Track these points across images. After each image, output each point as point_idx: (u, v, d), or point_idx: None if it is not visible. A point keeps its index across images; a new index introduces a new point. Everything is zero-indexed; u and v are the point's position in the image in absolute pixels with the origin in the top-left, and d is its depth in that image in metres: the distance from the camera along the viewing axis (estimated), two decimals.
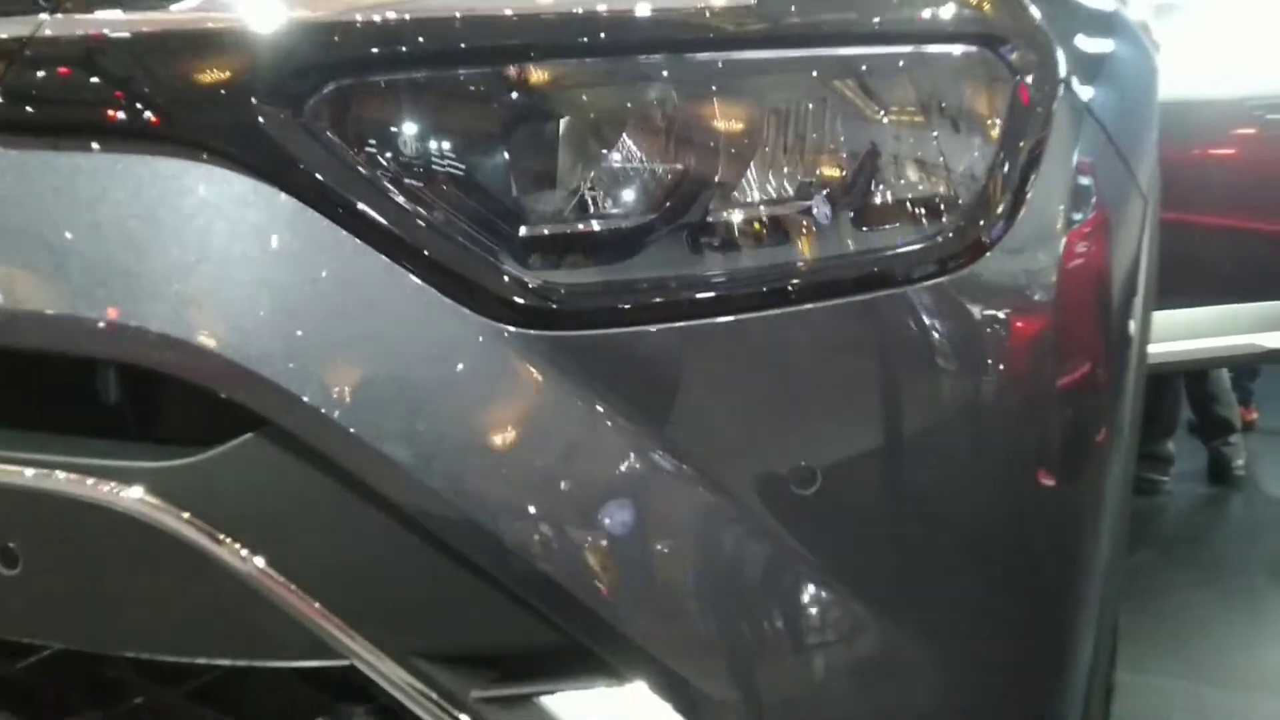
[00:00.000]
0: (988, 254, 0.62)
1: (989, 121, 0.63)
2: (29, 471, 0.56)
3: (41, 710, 0.68)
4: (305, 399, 0.52)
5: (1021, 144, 0.64)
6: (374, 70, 0.54)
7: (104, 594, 0.59)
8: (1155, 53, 1.02)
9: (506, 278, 0.55)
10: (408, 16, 0.54)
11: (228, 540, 0.55)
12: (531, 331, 0.55)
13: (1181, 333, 1.96)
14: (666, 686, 0.58)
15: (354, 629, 0.56)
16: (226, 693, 0.65)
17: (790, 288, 0.58)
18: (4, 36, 0.55)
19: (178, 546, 0.55)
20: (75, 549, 0.58)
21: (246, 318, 0.53)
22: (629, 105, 0.57)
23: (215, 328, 0.53)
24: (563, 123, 0.56)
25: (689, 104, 0.58)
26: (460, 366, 0.54)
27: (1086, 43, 0.78)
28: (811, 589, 0.60)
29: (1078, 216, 0.68)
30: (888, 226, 0.61)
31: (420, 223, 0.54)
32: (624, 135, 0.57)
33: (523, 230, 0.56)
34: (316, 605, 0.55)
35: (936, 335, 0.61)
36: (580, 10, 0.56)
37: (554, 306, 0.55)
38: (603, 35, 0.56)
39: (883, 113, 0.61)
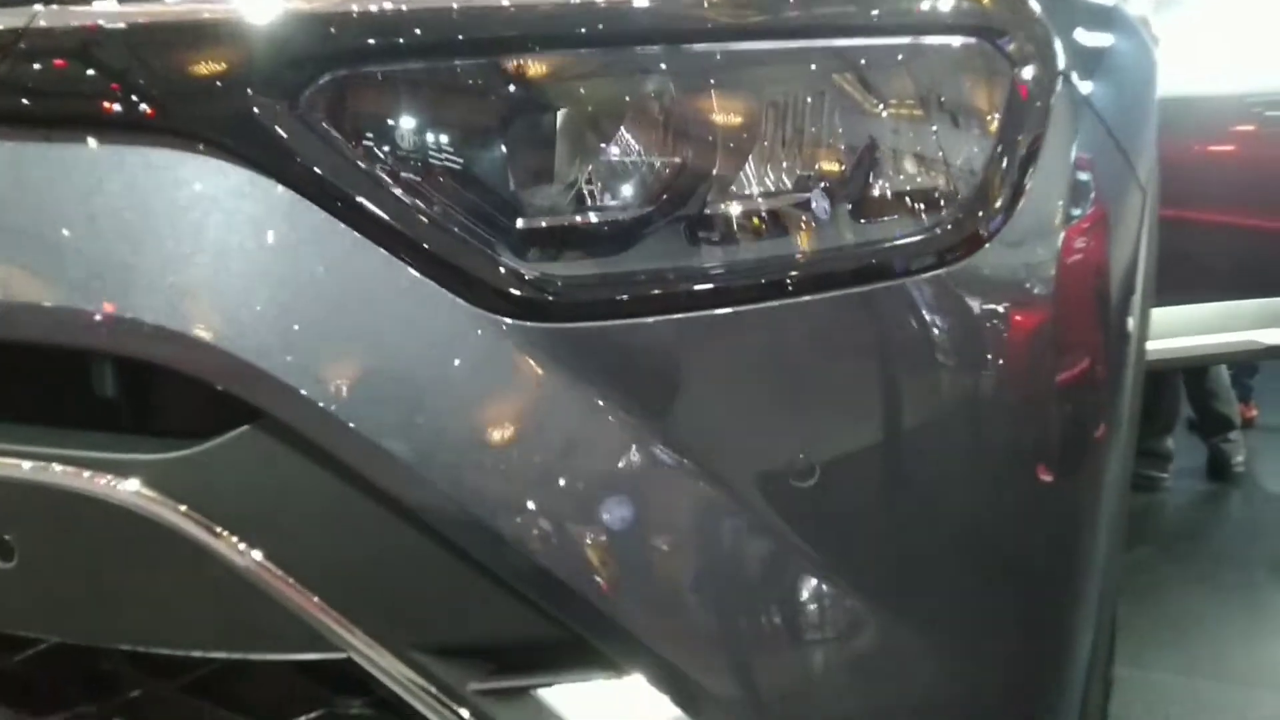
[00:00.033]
0: (986, 246, 0.62)
1: (987, 114, 0.63)
2: (26, 464, 0.56)
3: (38, 704, 0.68)
4: (302, 391, 0.52)
5: (1020, 137, 0.63)
6: (370, 61, 0.54)
7: (100, 587, 0.59)
8: (1155, 47, 1.02)
9: (504, 270, 0.55)
10: (404, 7, 0.54)
11: (224, 533, 0.55)
12: (529, 323, 0.55)
13: (1181, 329, 1.96)
14: (664, 679, 0.58)
15: (351, 622, 0.56)
16: (223, 686, 0.65)
17: (788, 280, 0.58)
18: None
19: (174, 539, 0.55)
20: (71, 542, 0.58)
21: (242, 310, 0.53)
22: (627, 97, 0.57)
23: (211, 320, 0.53)
24: (560, 114, 0.56)
25: (687, 96, 0.58)
26: (457, 359, 0.54)
27: (1086, 36, 0.78)
28: (809, 582, 0.60)
29: (1077, 210, 0.68)
30: (885, 219, 0.61)
31: (417, 214, 0.54)
32: (622, 127, 0.57)
33: (520, 222, 0.56)
34: (313, 598, 0.55)
35: (934, 328, 0.61)
36: (578, 1, 0.56)
37: (551, 298, 0.55)
38: (600, 27, 0.56)
39: (881, 105, 0.61)
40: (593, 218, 0.57)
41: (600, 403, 0.55)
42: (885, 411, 0.61)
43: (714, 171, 0.58)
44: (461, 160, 0.55)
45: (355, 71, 0.54)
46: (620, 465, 0.56)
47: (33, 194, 0.55)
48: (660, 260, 0.57)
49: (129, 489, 0.55)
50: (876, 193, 0.61)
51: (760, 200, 0.59)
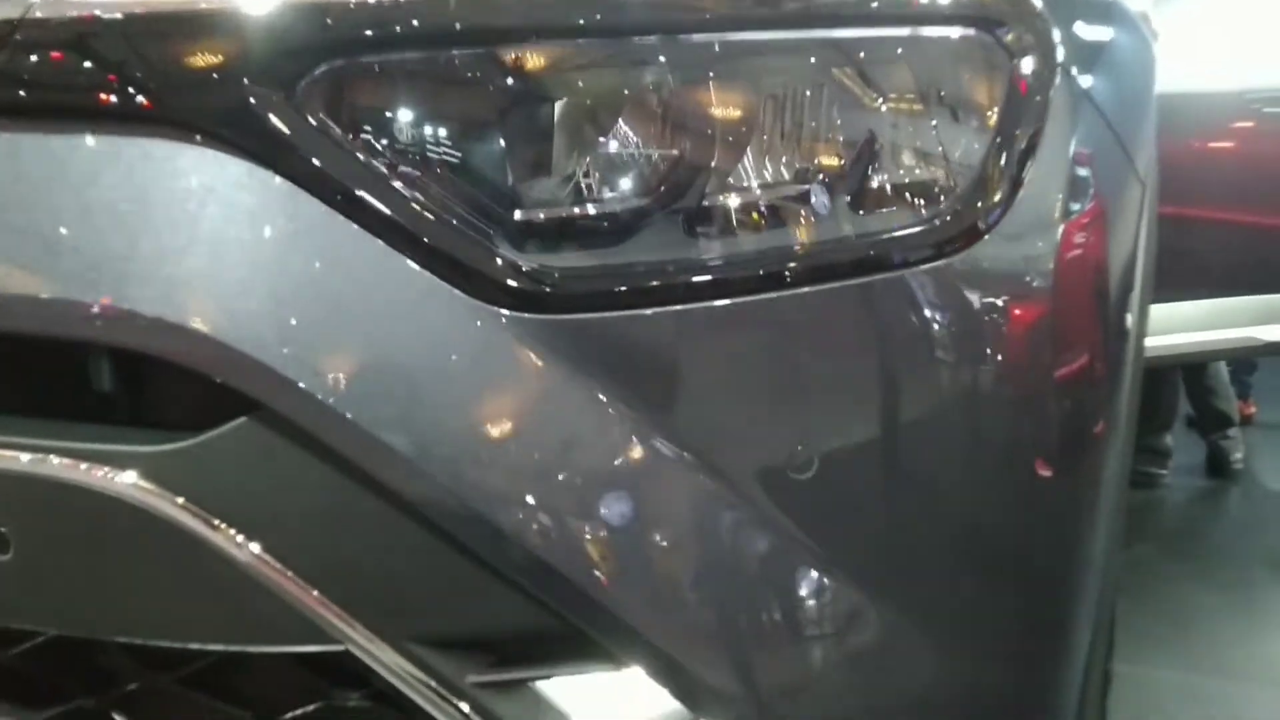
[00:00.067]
0: (984, 239, 0.62)
1: (986, 106, 0.63)
2: (23, 456, 0.56)
3: (35, 697, 0.68)
4: (299, 383, 0.52)
5: (1018, 129, 0.63)
6: (367, 51, 0.54)
7: (97, 580, 0.59)
8: (1154, 41, 1.02)
9: (502, 261, 0.55)
10: None
11: (222, 525, 0.55)
12: (527, 315, 0.54)
13: (1180, 326, 1.96)
14: (663, 672, 0.58)
15: (349, 614, 0.56)
16: (221, 678, 0.65)
17: (786, 271, 0.58)
18: None
19: (171, 531, 0.55)
20: (68, 534, 0.58)
21: (240, 302, 0.53)
22: (625, 89, 0.57)
23: (209, 312, 0.53)
24: (559, 105, 0.56)
25: (685, 87, 0.58)
26: (455, 350, 0.54)
27: (1086, 30, 0.78)
28: (807, 575, 0.60)
29: (1076, 204, 0.68)
30: (884, 210, 0.61)
31: (415, 206, 0.54)
32: (620, 118, 0.57)
33: (518, 213, 0.56)
34: (311, 591, 0.55)
35: (932, 320, 0.61)
36: None
37: (549, 290, 0.55)
38: (598, 17, 0.56)
39: (879, 96, 0.61)
40: (591, 209, 0.57)
41: (599, 395, 0.55)
42: (883, 404, 0.61)
43: (712, 163, 0.58)
44: (459, 151, 0.55)
45: (352, 62, 0.54)
46: (618, 457, 0.56)
47: (29, 186, 0.55)
48: (659, 252, 0.57)
49: (126, 481, 0.55)
50: (875, 184, 0.61)
51: (759, 192, 0.59)
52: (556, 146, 0.56)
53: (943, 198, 0.61)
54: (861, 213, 0.60)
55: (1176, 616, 1.97)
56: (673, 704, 0.59)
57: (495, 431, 0.54)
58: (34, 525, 0.58)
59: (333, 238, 0.54)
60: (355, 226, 0.54)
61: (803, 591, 0.59)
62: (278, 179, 0.53)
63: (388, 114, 0.55)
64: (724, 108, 0.58)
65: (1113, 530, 0.74)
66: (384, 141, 0.54)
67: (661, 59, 0.57)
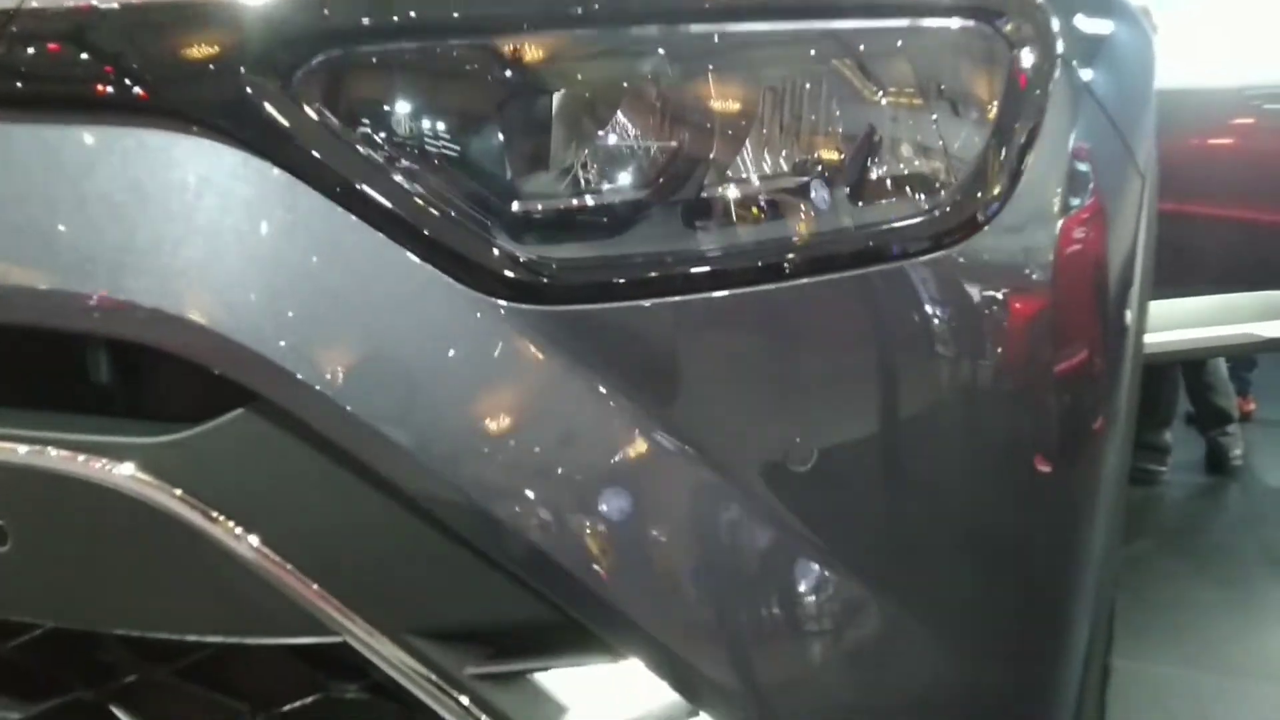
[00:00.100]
0: (983, 230, 0.62)
1: (985, 97, 0.63)
2: (21, 448, 0.56)
3: (33, 689, 0.68)
4: (296, 373, 0.52)
5: (1018, 120, 0.63)
6: (363, 41, 0.54)
7: (95, 572, 0.59)
8: (1154, 35, 1.01)
9: (499, 252, 0.54)
10: None
11: (220, 517, 0.55)
12: (526, 306, 0.54)
13: (1179, 322, 1.96)
14: (663, 665, 0.58)
15: (347, 606, 0.56)
16: (219, 670, 0.65)
17: (785, 263, 0.58)
18: None
19: (169, 523, 0.55)
20: (65, 526, 0.58)
21: (237, 292, 0.53)
22: (624, 78, 0.57)
23: (206, 303, 0.53)
24: (557, 95, 0.56)
25: (684, 79, 0.57)
26: (453, 341, 0.54)
27: (1085, 22, 0.78)
28: (807, 568, 0.59)
29: (1075, 196, 0.68)
30: (882, 202, 0.61)
31: (412, 196, 0.54)
32: (619, 109, 0.56)
33: (516, 205, 0.56)
34: (309, 582, 0.55)
35: (930, 312, 0.61)
36: None
37: (547, 281, 0.55)
38: (597, 7, 0.56)
39: (878, 87, 0.60)
40: (589, 201, 0.56)
41: (597, 386, 0.55)
42: (880, 395, 0.61)
43: (711, 155, 0.58)
44: (456, 142, 0.55)
45: (349, 52, 0.54)
46: (617, 449, 0.55)
47: (26, 177, 0.55)
48: (657, 244, 0.57)
49: (124, 473, 0.55)
50: (873, 175, 0.61)
51: (757, 184, 0.59)
52: (555, 137, 0.56)
53: (941, 189, 0.61)
54: (860, 204, 0.60)
55: (1175, 612, 1.97)
56: (671, 697, 0.59)
57: (493, 423, 0.54)
58: (32, 517, 0.58)
59: (329, 229, 0.53)
60: (352, 217, 0.53)
61: (802, 585, 0.59)
62: (274, 169, 0.53)
63: (385, 104, 0.55)
64: (723, 100, 0.58)
65: (1112, 526, 0.74)
66: (381, 132, 0.54)
67: (660, 50, 0.57)
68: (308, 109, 0.53)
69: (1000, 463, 0.65)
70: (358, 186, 0.53)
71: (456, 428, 0.54)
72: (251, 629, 0.59)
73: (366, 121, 0.54)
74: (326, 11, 0.53)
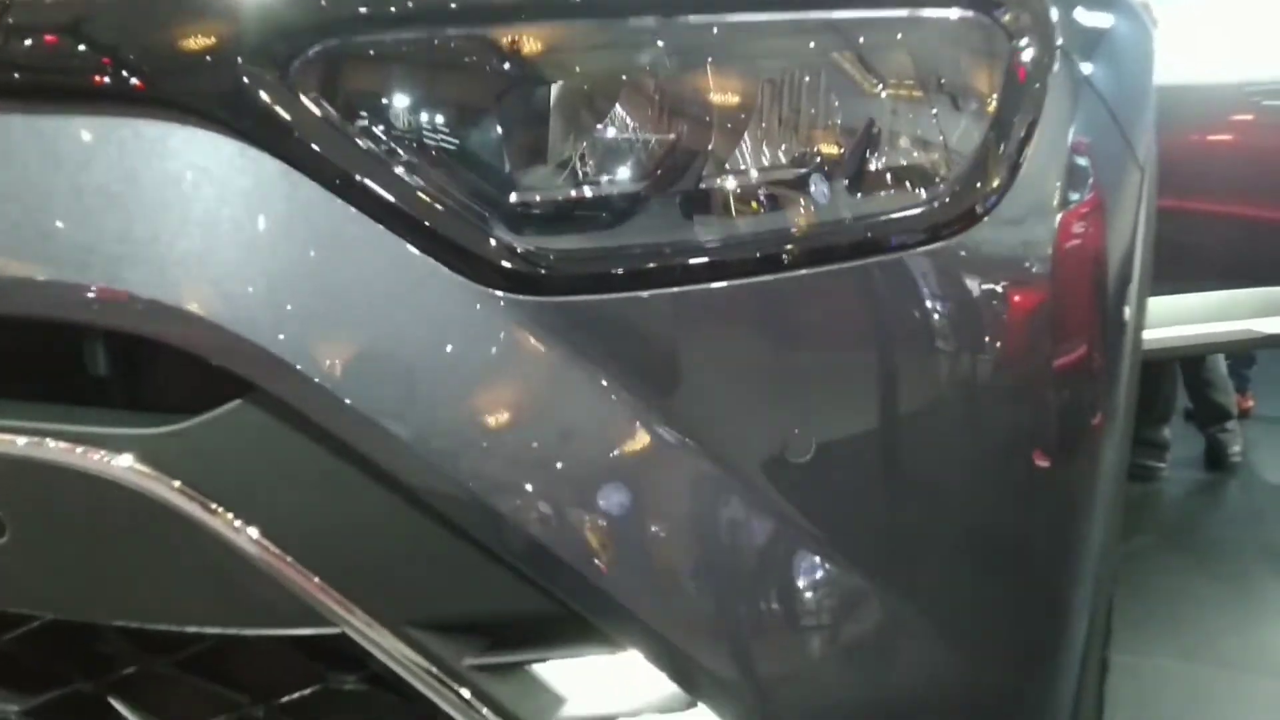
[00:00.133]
0: (982, 222, 0.62)
1: (984, 87, 0.63)
2: (20, 439, 0.56)
3: (32, 681, 0.68)
4: (294, 363, 0.52)
5: (1017, 111, 0.63)
6: (360, 31, 0.54)
7: (93, 563, 0.59)
8: (1154, 29, 1.01)
9: (499, 243, 0.54)
10: None
11: (218, 508, 0.54)
12: (525, 297, 0.54)
13: (1178, 318, 1.96)
14: (662, 656, 0.58)
15: (346, 597, 0.56)
16: (218, 662, 0.65)
17: (783, 254, 0.58)
18: None
19: (168, 514, 0.55)
20: (64, 517, 0.58)
21: (235, 283, 0.52)
22: (622, 69, 0.57)
23: (204, 294, 0.52)
24: (555, 86, 0.56)
25: (683, 69, 0.57)
26: (452, 333, 0.54)
27: (1085, 14, 0.78)
28: (806, 559, 0.59)
29: (1075, 187, 0.68)
30: (881, 194, 0.60)
31: (409, 187, 0.54)
32: (617, 101, 0.56)
33: (513, 196, 0.55)
34: (308, 573, 0.55)
35: (928, 303, 0.61)
36: None
37: (546, 272, 0.55)
38: None
39: (876, 78, 0.60)
40: (587, 192, 0.56)
41: (595, 376, 0.55)
42: (878, 387, 0.61)
43: (709, 147, 0.58)
44: (454, 133, 0.55)
45: (346, 41, 0.54)
46: (616, 440, 0.55)
47: (22, 168, 0.54)
48: (655, 235, 0.56)
49: (123, 464, 0.55)
50: (872, 168, 0.60)
51: (756, 176, 0.59)
52: (553, 128, 0.56)
53: (940, 181, 0.61)
54: (859, 195, 0.60)
55: (1174, 607, 1.97)
56: (669, 688, 0.59)
57: (492, 414, 0.54)
58: (30, 509, 0.58)
59: (327, 219, 0.53)
60: (350, 208, 0.53)
61: (801, 576, 0.59)
62: (271, 160, 0.53)
63: (382, 94, 0.54)
64: (721, 91, 0.58)
65: (1111, 521, 0.74)
66: (378, 122, 0.54)
67: (658, 42, 0.57)
68: (305, 99, 0.53)
69: (999, 456, 0.65)
70: (354, 177, 0.53)
71: (455, 419, 0.54)
72: (250, 620, 0.59)
73: (363, 112, 0.54)
74: (323, 1, 0.53)
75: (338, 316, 0.53)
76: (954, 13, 0.62)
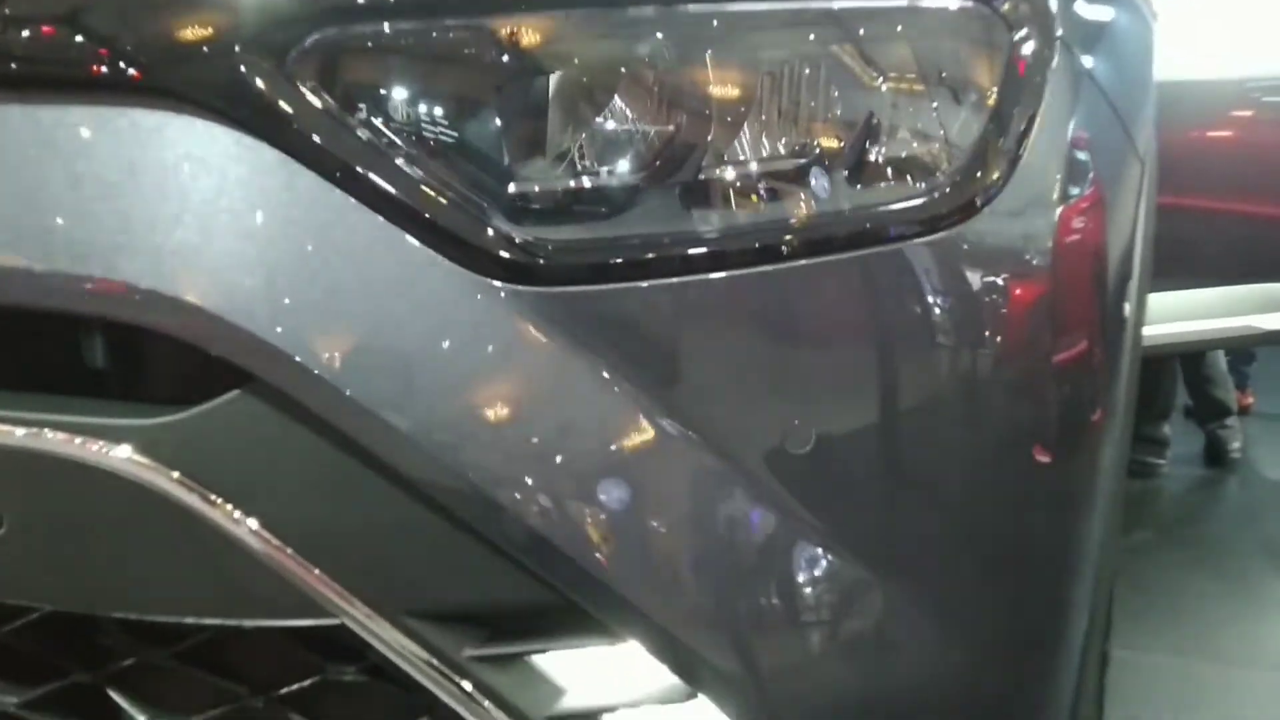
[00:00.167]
0: (981, 214, 0.61)
1: (983, 77, 0.63)
2: (18, 430, 0.56)
3: (31, 672, 0.68)
4: (292, 354, 0.52)
5: (1016, 102, 0.63)
6: (358, 20, 0.54)
7: (92, 554, 0.59)
8: (1154, 22, 1.01)
9: (498, 234, 0.54)
10: None
11: (217, 499, 0.54)
12: (524, 288, 0.54)
13: (1178, 314, 1.96)
14: (663, 648, 0.58)
15: (345, 588, 0.56)
16: (216, 653, 0.65)
17: (782, 245, 0.57)
18: None
19: (167, 505, 0.55)
20: (63, 509, 0.58)
21: (233, 273, 0.52)
22: (621, 60, 0.57)
23: (202, 284, 0.52)
24: (554, 76, 0.56)
25: (682, 60, 0.57)
26: (451, 323, 0.54)
27: (1085, 7, 0.78)
28: (807, 551, 0.59)
29: (1075, 181, 0.67)
30: (880, 185, 0.60)
31: (408, 177, 0.54)
32: (616, 92, 0.56)
33: (512, 186, 0.55)
34: (307, 564, 0.55)
35: (927, 295, 0.61)
36: None
37: (543, 262, 0.54)
38: None
39: (876, 68, 0.60)
40: (586, 182, 0.56)
41: (595, 367, 0.55)
42: (877, 378, 0.60)
43: (708, 138, 0.57)
44: (453, 123, 0.55)
45: (344, 31, 0.53)
46: (616, 431, 0.55)
47: (19, 158, 0.54)
48: (656, 224, 0.56)
49: (121, 455, 0.55)
50: (871, 157, 0.60)
51: (754, 166, 0.58)
52: (552, 119, 0.56)
53: (940, 171, 0.61)
54: (858, 187, 0.60)
55: (1173, 602, 1.98)
56: (669, 679, 0.59)
57: (491, 405, 0.54)
58: (29, 500, 0.58)
59: (325, 209, 0.53)
60: (348, 198, 0.53)
61: (801, 568, 0.59)
62: (269, 150, 0.53)
63: (380, 84, 0.54)
64: (720, 82, 0.58)
65: (1110, 516, 0.74)
66: (376, 112, 0.54)
67: (658, 33, 0.57)
68: (302, 89, 0.53)
69: (998, 450, 0.65)
70: (353, 167, 0.53)
71: (454, 410, 0.54)
72: (249, 612, 0.59)
73: (361, 102, 0.54)
74: None
75: (336, 307, 0.53)
76: (954, 3, 0.62)
